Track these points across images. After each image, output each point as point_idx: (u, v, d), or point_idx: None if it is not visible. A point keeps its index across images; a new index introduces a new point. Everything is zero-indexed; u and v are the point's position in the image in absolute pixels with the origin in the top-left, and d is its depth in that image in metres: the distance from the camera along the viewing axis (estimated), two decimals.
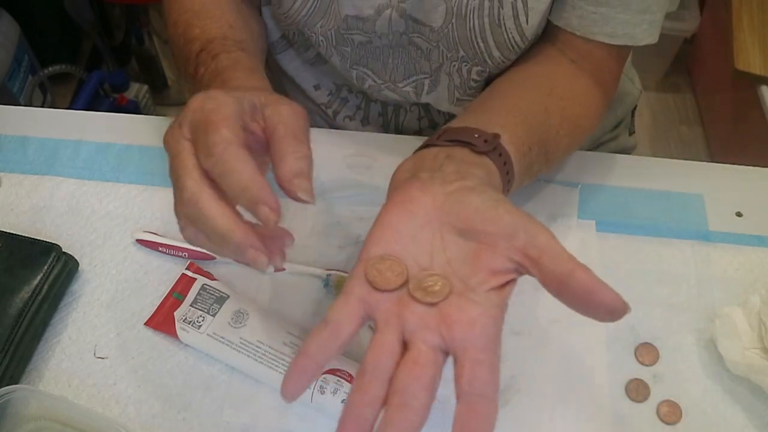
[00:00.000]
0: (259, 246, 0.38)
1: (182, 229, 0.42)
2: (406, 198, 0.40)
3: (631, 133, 0.81)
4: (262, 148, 0.41)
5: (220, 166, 0.37)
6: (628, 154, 0.81)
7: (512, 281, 0.39)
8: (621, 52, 0.57)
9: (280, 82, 0.73)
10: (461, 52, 0.59)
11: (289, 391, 0.36)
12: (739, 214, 0.61)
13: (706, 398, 0.51)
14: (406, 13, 0.57)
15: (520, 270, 0.38)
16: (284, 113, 0.41)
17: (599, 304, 0.36)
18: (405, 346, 0.37)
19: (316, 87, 0.70)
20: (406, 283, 0.38)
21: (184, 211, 0.40)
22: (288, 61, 0.69)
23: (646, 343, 0.53)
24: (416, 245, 0.39)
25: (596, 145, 0.77)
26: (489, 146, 0.44)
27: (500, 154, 0.45)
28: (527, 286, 0.41)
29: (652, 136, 1.71)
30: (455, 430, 0.34)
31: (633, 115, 0.81)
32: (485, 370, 0.35)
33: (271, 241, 0.41)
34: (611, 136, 0.78)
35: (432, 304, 0.37)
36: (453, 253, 0.39)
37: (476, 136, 0.44)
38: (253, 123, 0.41)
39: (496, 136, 0.45)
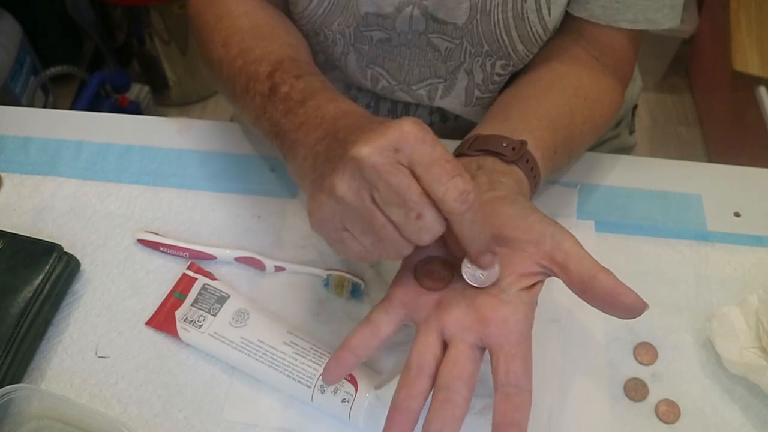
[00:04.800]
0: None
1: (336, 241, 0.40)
2: None
3: (632, 131, 0.81)
4: None
5: (473, 213, 0.37)
6: (628, 152, 0.81)
7: (540, 282, 0.43)
8: (639, 38, 0.59)
9: None
10: (485, 47, 0.59)
11: (329, 378, 0.44)
12: (737, 215, 0.61)
13: (704, 397, 0.51)
14: (428, 11, 0.57)
15: (547, 272, 0.42)
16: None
17: (621, 304, 0.40)
18: (444, 344, 0.41)
19: None
20: (449, 284, 0.43)
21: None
22: None
23: (645, 343, 0.54)
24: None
25: (596, 145, 0.77)
26: (517, 155, 0.48)
27: (527, 161, 0.48)
28: None
29: (650, 136, 1.72)
30: (495, 418, 0.39)
31: (633, 114, 0.81)
32: (519, 363, 0.39)
33: None
34: (612, 135, 0.78)
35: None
36: None
37: (504, 145, 0.48)
38: None
39: (524, 143, 0.48)
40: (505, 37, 0.58)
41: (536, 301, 0.42)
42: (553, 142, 0.52)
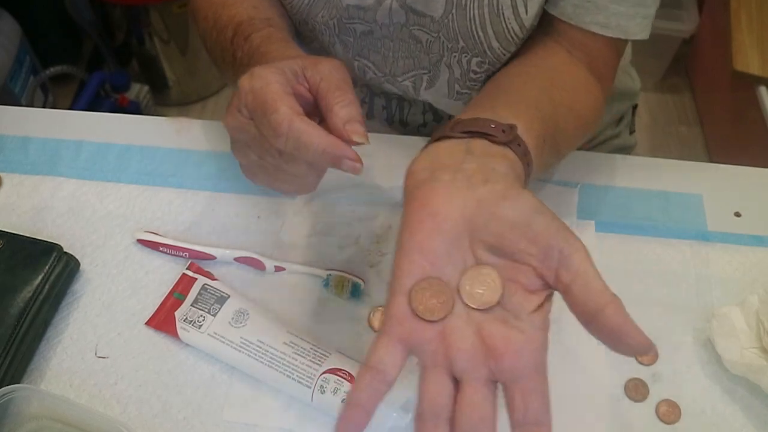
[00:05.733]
0: (354, 156, 0.41)
1: (254, 175, 0.47)
2: (431, 211, 0.38)
3: (632, 131, 0.81)
4: (311, 109, 0.44)
5: (292, 141, 0.41)
6: (629, 152, 0.81)
7: (549, 297, 0.38)
8: (616, 45, 0.57)
9: None
10: (461, 43, 0.59)
11: None
12: (737, 214, 0.61)
13: (704, 398, 0.51)
14: (406, 3, 0.57)
15: (552, 288, 0.37)
16: (323, 70, 0.44)
17: (626, 345, 0.35)
18: (456, 381, 0.36)
19: None
20: (452, 310, 0.37)
21: (283, 143, 0.42)
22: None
23: None
24: (451, 266, 0.37)
25: (597, 143, 0.77)
26: (507, 137, 0.42)
27: (519, 145, 0.43)
28: None
29: (651, 136, 1.72)
30: None
31: (634, 114, 0.81)
32: (537, 398, 0.36)
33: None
34: (612, 134, 0.78)
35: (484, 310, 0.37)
36: None
37: (492, 126, 0.42)
38: (299, 87, 0.44)
39: (513, 127, 0.43)
40: (480, 34, 0.57)
41: (549, 322, 0.37)
42: (542, 131, 0.47)
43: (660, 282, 0.57)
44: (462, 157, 0.40)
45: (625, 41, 0.57)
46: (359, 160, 0.42)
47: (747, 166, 0.65)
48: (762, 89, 1.27)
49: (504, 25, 0.56)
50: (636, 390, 0.52)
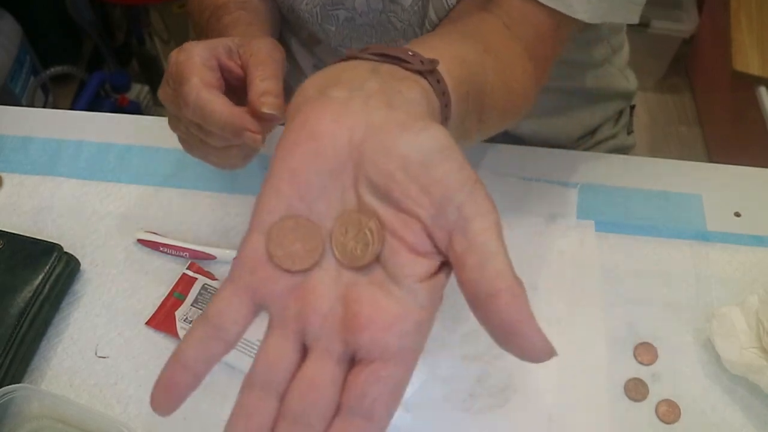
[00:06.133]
0: (255, 128, 0.42)
1: (189, 148, 0.49)
2: (312, 132, 0.29)
3: (630, 132, 0.81)
4: (242, 84, 0.45)
5: (198, 110, 0.43)
6: (627, 152, 0.81)
7: (446, 270, 0.29)
8: (558, 25, 0.51)
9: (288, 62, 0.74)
10: (429, 29, 0.59)
11: (160, 411, 0.29)
12: (737, 214, 0.61)
13: (704, 397, 0.51)
14: None
15: (443, 257, 0.28)
16: (254, 46, 0.45)
17: (517, 346, 0.27)
18: (304, 349, 0.28)
19: (316, 66, 0.71)
20: (319, 260, 0.28)
21: (191, 113, 0.44)
22: (288, 38, 0.70)
23: (645, 343, 0.54)
24: (326, 204, 0.29)
25: (595, 144, 0.77)
26: (425, 66, 0.34)
27: (438, 82, 0.34)
28: (525, 285, 0.40)
29: (650, 136, 1.72)
30: None
31: (631, 114, 0.81)
32: (382, 388, 0.26)
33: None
34: (610, 134, 0.78)
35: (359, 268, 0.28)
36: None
37: (411, 53, 0.34)
38: (230, 63, 0.46)
39: (434, 61, 0.34)
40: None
41: (440, 300, 0.28)
42: (466, 84, 0.39)
43: (660, 282, 0.57)
44: (366, 76, 0.31)
45: (568, 23, 0.51)
46: (259, 132, 0.43)
47: (747, 166, 0.65)
48: (762, 89, 1.27)
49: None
50: (636, 390, 0.52)
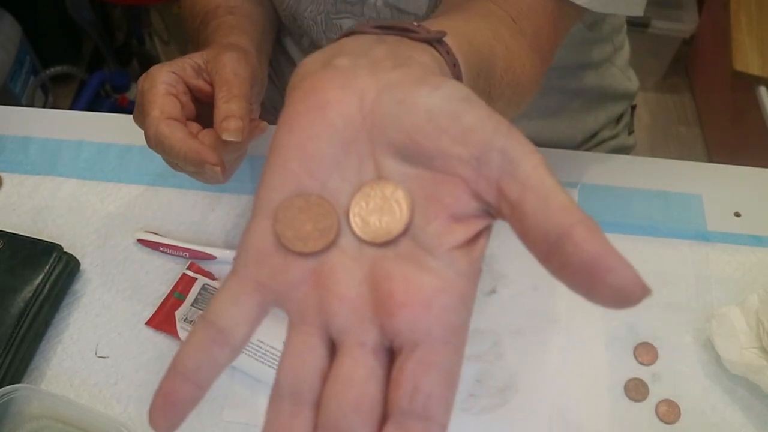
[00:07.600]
0: (215, 161, 0.43)
1: (172, 166, 0.49)
2: (318, 102, 0.26)
3: (630, 132, 0.81)
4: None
5: (158, 145, 0.43)
6: (628, 152, 0.81)
7: (486, 230, 0.25)
8: (560, 15, 0.49)
9: (287, 68, 0.73)
10: None
11: (161, 427, 0.24)
12: (737, 215, 0.61)
13: (704, 398, 0.51)
14: (389, 1, 0.57)
15: (493, 213, 0.25)
16: (219, 62, 0.45)
17: (607, 285, 0.22)
18: (332, 344, 0.24)
19: None
20: (335, 240, 0.25)
21: (150, 144, 0.45)
22: (290, 46, 0.70)
23: (645, 343, 0.54)
24: (340, 178, 0.25)
25: (596, 144, 0.77)
26: (432, 35, 0.31)
27: (448, 53, 0.32)
28: (525, 285, 0.41)
29: (650, 136, 1.72)
30: None
31: (632, 115, 0.81)
32: (436, 377, 0.23)
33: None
34: (611, 135, 0.78)
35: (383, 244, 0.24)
36: None
37: (417, 24, 0.31)
38: (199, 82, 0.46)
39: (441, 32, 0.32)
40: None
41: (480, 269, 0.25)
42: (476, 66, 0.37)
43: (660, 282, 0.57)
44: (371, 45, 0.28)
45: (571, 13, 0.50)
46: (219, 163, 0.42)
47: (747, 166, 0.65)
48: (762, 89, 1.27)
49: None
50: (636, 390, 0.52)
